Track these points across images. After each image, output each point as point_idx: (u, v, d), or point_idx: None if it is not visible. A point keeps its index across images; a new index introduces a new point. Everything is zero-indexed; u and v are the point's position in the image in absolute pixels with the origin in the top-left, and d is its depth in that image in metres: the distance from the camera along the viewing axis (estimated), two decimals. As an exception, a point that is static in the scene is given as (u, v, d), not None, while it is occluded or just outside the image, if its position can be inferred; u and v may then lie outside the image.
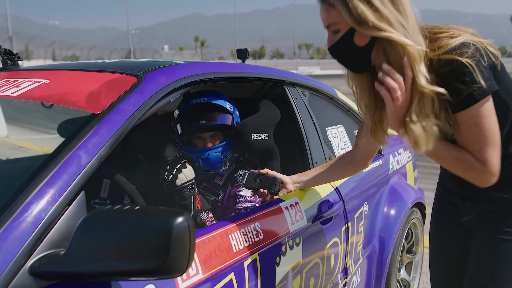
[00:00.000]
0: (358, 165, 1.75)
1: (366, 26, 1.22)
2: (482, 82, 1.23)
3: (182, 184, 1.75)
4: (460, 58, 1.23)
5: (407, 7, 1.25)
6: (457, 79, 1.24)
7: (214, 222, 1.73)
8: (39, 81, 1.50)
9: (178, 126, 1.89)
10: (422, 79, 1.23)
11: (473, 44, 1.26)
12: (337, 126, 2.42)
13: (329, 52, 1.37)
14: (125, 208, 0.96)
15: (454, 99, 1.25)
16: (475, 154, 1.30)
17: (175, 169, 1.75)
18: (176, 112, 1.90)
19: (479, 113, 1.26)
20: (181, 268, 0.91)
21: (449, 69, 1.25)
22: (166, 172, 1.76)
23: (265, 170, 1.73)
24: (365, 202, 2.27)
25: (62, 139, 2.12)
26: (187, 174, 1.76)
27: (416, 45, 1.23)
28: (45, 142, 8.10)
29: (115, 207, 0.97)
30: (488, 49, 1.28)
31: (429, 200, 3.05)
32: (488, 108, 1.26)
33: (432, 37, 1.30)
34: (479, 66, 1.23)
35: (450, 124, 1.31)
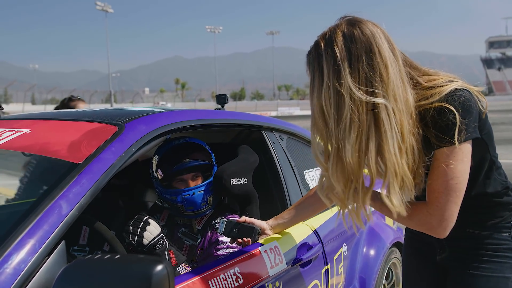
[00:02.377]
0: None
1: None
2: (469, 125, 1.27)
3: (150, 242, 1.63)
4: (449, 106, 1.27)
5: (391, 72, 1.24)
6: (446, 122, 1.27)
7: None
8: (21, 131, 1.53)
9: (159, 171, 1.91)
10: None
11: (466, 91, 1.32)
12: (315, 169, 2.47)
13: None
14: (105, 257, 0.98)
15: (438, 139, 1.29)
16: (430, 195, 1.31)
17: (139, 229, 1.63)
18: (156, 157, 1.93)
19: (454, 155, 1.29)
20: (161, 316, 0.93)
21: (439, 115, 1.28)
22: (131, 235, 1.62)
23: (243, 218, 1.74)
24: (344, 243, 2.30)
25: (40, 186, 2.13)
26: (152, 230, 1.65)
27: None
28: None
29: (95, 256, 0.99)
30: (477, 97, 1.34)
31: (407, 240, 3.08)
32: (464, 153, 1.29)
33: (423, 84, 1.34)
34: (471, 109, 1.28)
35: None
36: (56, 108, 3.58)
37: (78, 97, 3.44)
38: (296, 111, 46.98)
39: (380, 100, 1.21)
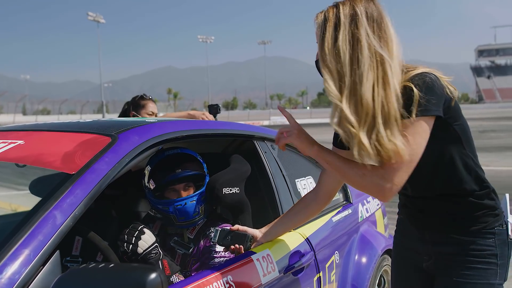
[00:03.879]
0: (320, 202, 1.78)
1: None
2: (430, 101, 1.34)
3: (144, 251, 1.64)
4: (410, 84, 1.36)
5: (394, 47, 1.39)
6: (407, 97, 1.35)
7: None
8: (14, 142, 1.54)
9: (151, 181, 1.92)
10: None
11: (433, 74, 1.39)
12: (306, 177, 2.50)
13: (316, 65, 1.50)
14: (100, 266, 1.00)
15: (405, 109, 1.36)
16: (386, 160, 1.37)
17: (134, 238, 1.64)
18: (148, 167, 1.94)
19: (412, 127, 1.35)
20: (155, 324, 0.94)
21: (403, 92, 1.36)
22: (125, 243, 1.63)
23: (236, 227, 1.76)
24: (336, 251, 2.32)
25: (33, 196, 2.14)
26: (147, 239, 1.65)
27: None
28: (13, 199, 7.90)
29: (90, 266, 1.00)
30: (446, 84, 1.41)
31: (399, 247, 3.10)
32: (422, 127, 1.35)
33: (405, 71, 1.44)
34: (433, 88, 1.35)
35: None
36: (126, 105, 3.32)
37: (150, 97, 3.28)
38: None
39: (387, 57, 1.35)
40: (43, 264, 1.06)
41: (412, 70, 1.42)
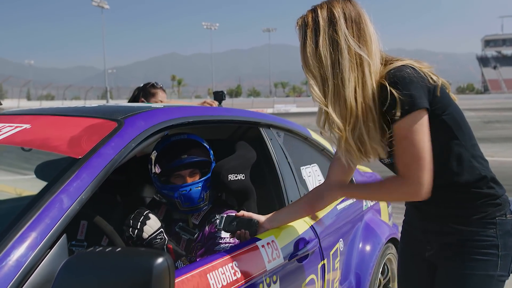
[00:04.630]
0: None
1: None
2: (413, 96, 1.34)
3: (149, 236, 1.65)
4: (385, 82, 1.37)
5: (373, 46, 1.42)
6: (389, 98, 1.35)
7: None
8: (21, 126, 1.54)
9: (157, 166, 1.92)
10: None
11: (411, 67, 1.39)
12: (312, 165, 2.50)
13: None
14: (106, 250, 1.00)
15: (390, 111, 1.36)
16: (402, 169, 1.40)
17: (139, 223, 1.64)
18: (154, 153, 1.94)
19: (408, 126, 1.35)
20: (161, 307, 0.94)
21: (380, 91, 1.38)
22: (130, 228, 1.64)
23: (241, 213, 1.77)
24: (341, 239, 2.32)
25: (38, 181, 2.14)
26: (152, 224, 1.66)
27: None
28: (18, 183, 7.94)
29: (97, 249, 1.00)
30: (426, 73, 1.40)
31: (403, 236, 3.11)
32: (417, 123, 1.35)
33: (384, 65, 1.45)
34: (412, 82, 1.35)
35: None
36: (137, 91, 3.28)
37: (161, 86, 3.27)
38: (293, 108, 47.04)
39: (366, 57, 1.39)
40: (50, 248, 1.06)
41: (390, 64, 1.43)
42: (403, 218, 1.78)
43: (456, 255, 1.49)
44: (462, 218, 1.47)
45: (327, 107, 1.41)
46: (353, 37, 1.40)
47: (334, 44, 1.40)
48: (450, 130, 1.44)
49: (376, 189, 1.53)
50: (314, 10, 1.46)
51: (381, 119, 1.42)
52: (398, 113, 1.34)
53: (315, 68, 1.42)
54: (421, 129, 1.35)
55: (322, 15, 1.43)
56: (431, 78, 1.40)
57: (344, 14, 1.42)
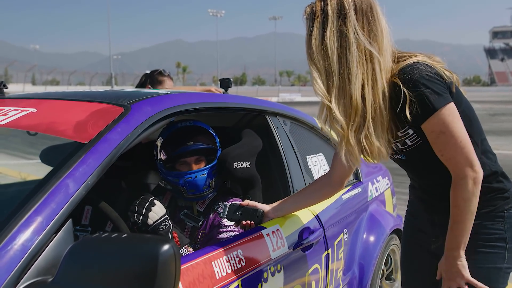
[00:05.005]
0: (334, 186, 1.77)
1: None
2: (437, 92, 1.31)
3: (154, 223, 1.64)
4: (397, 80, 1.34)
5: (384, 40, 1.37)
6: (413, 91, 1.32)
7: None
8: (26, 110, 1.53)
9: (162, 153, 1.91)
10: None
11: (425, 64, 1.36)
12: (317, 154, 2.48)
13: None
14: (112, 236, 0.99)
15: (414, 111, 1.32)
16: (449, 163, 1.37)
17: (144, 209, 1.64)
18: (160, 139, 1.93)
19: (442, 121, 1.33)
20: (167, 294, 0.94)
21: (403, 86, 1.33)
22: (136, 214, 1.64)
23: (246, 202, 1.75)
24: (345, 229, 2.32)
25: (42, 165, 2.14)
26: (157, 211, 1.66)
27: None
28: (23, 167, 7.98)
29: (103, 235, 1.00)
30: (441, 70, 1.37)
31: (407, 227, 3.10)
32: (450, 114, 1.33)
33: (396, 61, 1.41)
34: (431, 79, 1.32)
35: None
36: (144, 77, 3.28)
37: (168, 74, 3.27)
38: (297, 97, 46.89)
39: (376, 53, 1.34)
40: (56, 232, 1.06)
41: (403, 61, 1.39)
42: (406, 209, 1.77)
43: None
44: None
45: (330, 103, 1.36)
46: (363, 31, 1.34)
47: (342, 37, 1.34)
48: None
49: (460, 218, 1.39)
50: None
51: (390, 119, 1.38)
52: (424, 112, 1.32)
53: (320, 61, 1.36)
54: (455, 119, 1.34)
55: (331, 5, 1.36)
56: (445, 74, 1.37)
57: (355, 5, 1.35)
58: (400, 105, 1.34)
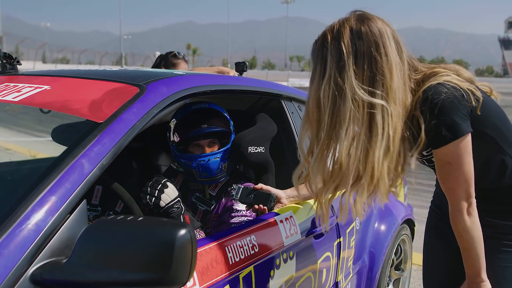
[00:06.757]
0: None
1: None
2: (456, 122, 1.25)
3: (166, 205, 1.64)
4: (419, 114, 1.27)
5: (394, 76, 1.23)
6: (432, 117, 1.26)
7: None
8: (41, 87, 1.50)
9: (175, 135, 1.89)
10: None
11: (449, 85, 1.27)
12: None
13: None
14: (128, 218, 0.97)
15: (430, 136, 1.28)
16: (449, 193, 1.35)
17: (157, 191, 1.63)
18: (173, 120, 1.91)
19: (452, 152, 1.28)
20: (182, 279, 0.92)
21: (422, 108, 1.27)
22: (148, 196, 1.63)
23: (260, 185, 1.72)
24: (357, 218, 2.29)
25: (53, 143, 2.13)
26: (169, 193, 1.65)
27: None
28: (32, 145, 8.02)
29: (118, 217, 0.98)
30: (468, 92, 1.28)
31: (418, 217, 3.08)
32: (462, 147, 1.28)
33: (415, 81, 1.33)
34: (452, 106, 1.25)
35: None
36: (159, 58, 3.25)
37: (183, 56, 3.24)
38: (307, 83, 46.52)
39: (379, 101, 1.21)
40: (70, 213, 1.04)
41: (427, 82, 1.30)
42: (427, 198, 1.74)
43: (489, 247, 1.45)
44: (501, 212, 1.45)
45: (310, 162, 1.31)
46: (363, 80, 1.21)
47: (339, 91, 1.22)
48: (494, 142, 1.37)
49: (468, 245, 1.37)
50: (324, 36, 1.27)
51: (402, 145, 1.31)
52: (437, 140, 1.28)
53: (314, 115, 1.28)
54: (465, 153, 1.29)
55: (332, 51, 1.23)
56: (473, 94, 1.29)
57: (356, 48, 1.21)
58: (421, 133, 1.28)
